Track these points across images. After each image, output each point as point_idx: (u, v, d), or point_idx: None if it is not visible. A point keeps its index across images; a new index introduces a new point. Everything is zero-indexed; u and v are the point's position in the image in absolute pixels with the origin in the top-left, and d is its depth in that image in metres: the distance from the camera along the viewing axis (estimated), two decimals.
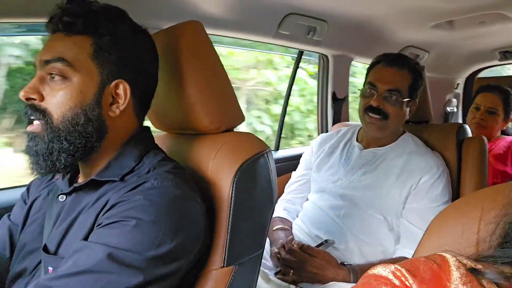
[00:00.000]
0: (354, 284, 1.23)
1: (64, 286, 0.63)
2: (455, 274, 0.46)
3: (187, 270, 0.76)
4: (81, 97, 0.74)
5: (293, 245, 1.34)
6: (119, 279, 0.63)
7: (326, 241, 1.37)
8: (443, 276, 0.46)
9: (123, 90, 0.78)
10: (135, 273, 0.64)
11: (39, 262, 0.78)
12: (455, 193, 1.54)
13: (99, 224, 0.70)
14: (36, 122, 0.75)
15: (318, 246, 1.36)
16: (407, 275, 0.46)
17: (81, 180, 0.84)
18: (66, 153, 0.74)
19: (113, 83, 0.77)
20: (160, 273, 0.67)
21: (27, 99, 0.74)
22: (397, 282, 0.45)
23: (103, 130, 0.77)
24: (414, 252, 0.66)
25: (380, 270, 0.47)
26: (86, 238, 0.71)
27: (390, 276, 0.46)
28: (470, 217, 0.60)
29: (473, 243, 0.57)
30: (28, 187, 0.95)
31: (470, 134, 1.70)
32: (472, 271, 0.46)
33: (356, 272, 1.28)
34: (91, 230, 0.72)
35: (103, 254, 0.64)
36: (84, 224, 0.73)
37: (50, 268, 0.73)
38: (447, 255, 0.48)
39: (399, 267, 0.47)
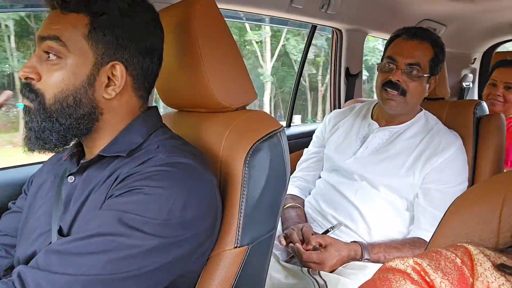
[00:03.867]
0: (367, 262, 1.24)
1: (75, 249, 0.63)
2: (479, 269, 0.43)
3: (199, 250, 0.75)
4: (74, 79, 0.73)
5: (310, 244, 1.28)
6: (130, 242, 0.63)
7: (332, 227, 1.36)
8: (466, 271, 0.43)
9: (119, 72, 0.75)
10: (147, 237, 0.64)
11: (49, 244, 0.78)
12: (471, 172, 1.51)
13: (110, 196, 0.70)
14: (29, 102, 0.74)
15: (325, 232, 1.34)
16: (427, 270, 0.43)
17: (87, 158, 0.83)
18: (57, 134, 0.75)
19: (109, 65, 0.74)
20: (171, 240, 0.67)
21: (26, 78, 0.73)
22: (416, 277, 0.42)
23: (96, 112, 0.76)
24: (430, 239, 0.63)
25: (398, 264, 0.44)
26: None
27: (409, 270, 0.43)
28: (491, 203, 0.57)
29: (494, 232, 0.54)
30: (30, 179, 0.94)
31: (487, 112, 1.65)
32: (499, 266, 0.43)
33: (367, 248, 1.27)
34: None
35: (113, 218, 0.64)
36: (96, 203, 0.73)
37: None
38: (470, 247, 0.45)
39: (418, 261, 0.44)
